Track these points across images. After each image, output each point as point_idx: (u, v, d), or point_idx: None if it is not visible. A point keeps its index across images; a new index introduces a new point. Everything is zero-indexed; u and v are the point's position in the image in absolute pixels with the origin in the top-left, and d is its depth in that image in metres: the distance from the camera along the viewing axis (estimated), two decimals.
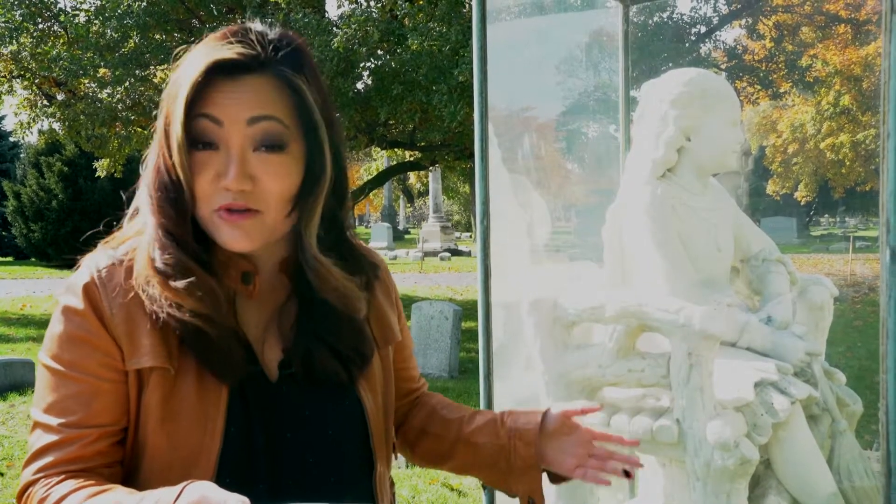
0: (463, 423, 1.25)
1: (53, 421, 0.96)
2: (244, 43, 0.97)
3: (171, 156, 0.96)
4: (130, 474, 1.00)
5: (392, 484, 1.23)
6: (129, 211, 1.07)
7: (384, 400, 1.15)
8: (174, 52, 1.05)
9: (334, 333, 1.06)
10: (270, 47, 0.98)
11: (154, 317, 0.97)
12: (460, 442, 1.23)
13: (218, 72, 0.95)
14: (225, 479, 0.97)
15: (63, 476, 0.94)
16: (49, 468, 0.95)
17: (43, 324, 10.41)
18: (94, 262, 1.01)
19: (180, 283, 0.95)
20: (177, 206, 0.98)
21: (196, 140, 0.96)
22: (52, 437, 0.96)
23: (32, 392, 6.13)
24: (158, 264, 0.97)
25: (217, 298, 0.98)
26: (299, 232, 1.03)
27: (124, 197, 1.10)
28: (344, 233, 1.12)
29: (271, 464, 1.02)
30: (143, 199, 1.02)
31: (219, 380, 0.99)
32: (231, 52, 0.95)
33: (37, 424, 0.98)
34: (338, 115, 1.08)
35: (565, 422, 1.19)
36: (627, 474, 1.22)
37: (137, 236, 1.03)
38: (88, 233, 1.13)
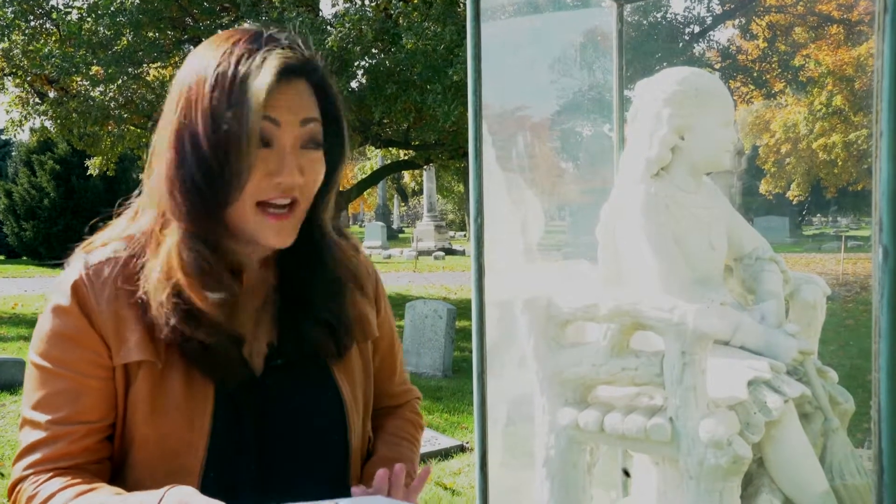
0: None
1: (41, 417, 0.98)
2: (290, 48, 1.02)
3: (220, 154, 0.97)
4: (119, 467, 1.02)
5: None
6: (130, 212, 1.09)
7: (363, 396, 1.17)
8: (177, 55, 1.06)
9: (321, 307, 1.10)
10: (308, 54, 1.05)
11: (147, 316, 0.99)
12: None
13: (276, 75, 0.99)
14: (211, 472, 1.00)
15: (52, 473, 0.96)
16: (38, 465, 0.97)
17: (34, 323, 10.34)
18: (81, 261, 1.03)
19: (216, 296, 0.98)
20: (211, 208, 1.00)
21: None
22: (41, 434, 0.98)
23: (23, 391, 6.13)
24: (192, 269, 0.98)
25: (236, 309, 1.02)
26: (319, 218, 1.09)
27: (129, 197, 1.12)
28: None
29: (259, 456, 1.04)
30: (165, 205, 1.03)
31: (207, 382, 1.01)
32: (286, 57, 1.00)
33: (25, 421, 1.00)
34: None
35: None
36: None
37: (131, 242, 1.05)
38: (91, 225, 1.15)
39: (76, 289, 1.00)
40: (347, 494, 1.10)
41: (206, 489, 0.99)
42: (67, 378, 0.99)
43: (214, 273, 1.00)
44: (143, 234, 1.05)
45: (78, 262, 1.03)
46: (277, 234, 1.03)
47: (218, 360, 1.00)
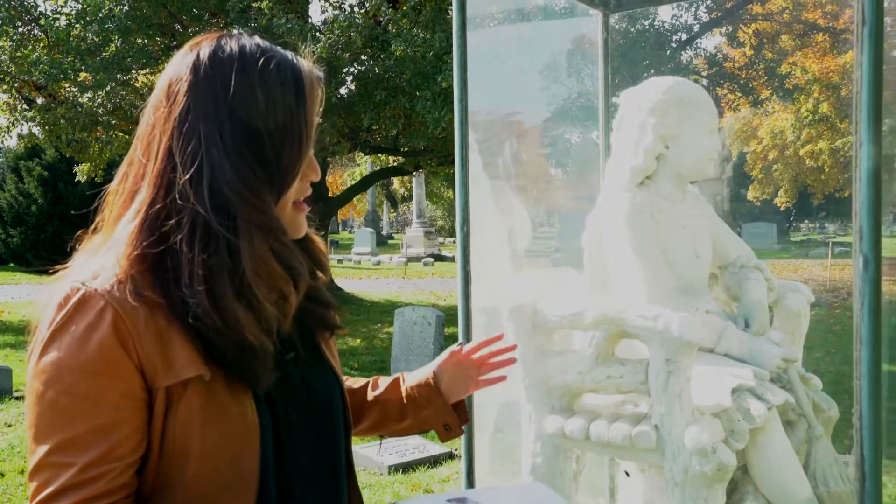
0: (368, 388, 1.37)
1: (72, 459, 0.90)
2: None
3: (280, 154, 0.99)
4: (167, 485, 0.97)
5: None
6: (128, 219, 0.98)
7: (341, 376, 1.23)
8: (166, 61, 1.05)
9: (311, 285, 1.11)
10: None
11: (186, 324, 0.94)
12: (368, 403, 1.35)
13: None
14: (267, 469, 1.00)
15: None
16: None
17: (21, 330, 10.28)
18: (97, 282, 0.93)
19: (278, 294, 0.99)
20: (271, 207, 1.00)
21: None
22: (73, 477, 0.90)
23: (9, 399, 6.09)
24: (265, 276, 0.98)
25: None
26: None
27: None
28: None
29: (293, 445, 1.05)
30: (219, 207, 0.95)
31: (245, 384, 0.99)
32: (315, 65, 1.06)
33: (47, 464, 0.91)
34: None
35: (451, 359, 1.36)
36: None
37: (142, 251, 0.95)
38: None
39: (109, 317, 0.91)
40: (350, 475, 1.16)
41: (263, 488, 0.99)
42: (100, 414, 0.91)
43: (294, 262, 1.02)
44: (171, 239, 0.95)
45: (90, 283, 0.93)
46: (302, 224, 1.08)
47: (259, 362, 0.98)
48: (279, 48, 1.05)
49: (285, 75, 1.00)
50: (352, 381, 1.37)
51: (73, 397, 0.91)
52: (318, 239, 1.18)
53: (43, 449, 0.91)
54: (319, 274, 1.16)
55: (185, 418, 0.95)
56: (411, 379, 1.35)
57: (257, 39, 1.04)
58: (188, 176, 0.95)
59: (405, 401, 1.34)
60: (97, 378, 0.91)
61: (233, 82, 0.97)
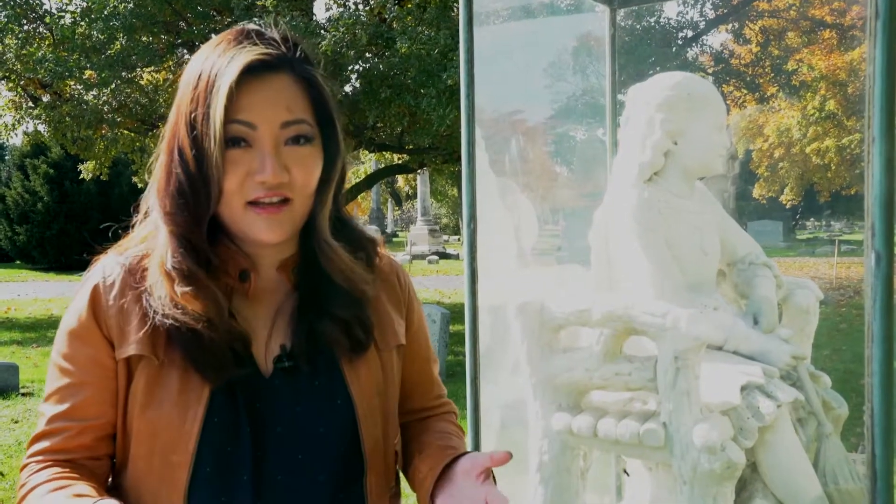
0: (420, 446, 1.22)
1: (48, 410, 1.04)
2: (266, 43, 1.02)
3: (198, 158, 0.99)
4: (125, 462, 1.05)
5: (396, 496, 1.20)
6: (140, 215, 1.12)
7: (383, 406, 1.13)
8: (171, 59, 1.07)
9: (336, 304, 1.09)
10: (287, 46, 1.04)
11: (147, 313, 1.01)
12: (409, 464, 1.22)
13: (246, 73, 0.99)
14: (206, 468, 1.00)
15: (49, 463, 1.02)
16: (38, 455, 1.04)
17: (27, 327, 10.32)
18: (102, 265, 1.08)
19: (185, 288, 1.00)
20: (193, 210, 1.01)
21: (228, 141, 0.99)
22: (45, 426, 1.04)
23: (16, 396, 6.10)
24: (168, 268, 1.02)
25: (218, 304, 1.02)
26: (313, 217, 1.07)
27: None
28: (340, 210, 1.16)
29: (257, 457, 1.03)
30: (154, 206, 1.07)
31: (203, 379, 1.01)
32: (257, 53, 1.00)
33: (39, 412, 1.07)
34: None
35: (470, 473, 1.08)
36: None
37: (145, 242, 1.09)
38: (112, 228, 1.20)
39: (91, 291, 1.05)
40: None
41: (196, 488, 1.00)
42: (70, 375, 1.03)
43: (188, 272, 1.01)
44: (151, 235, 1.08)
45: (100, 266, 1.08)
46: (267, 229, 1.02)
47: (211, 358, 1.00)
48: (228, 49, 1.01)
49: (202, 88, 1.00)
50: (428, 435, 1.22)
51: (59, 358, 1.05)
52: (359, 268, 1.11)
53: (42, 399, 1.08)
54: (364, 290, 1.11)
55: (133, 396, 1.02)
56: (430, 466, 1.14)
57: (212, 48, 1.03)
58: (152, 178, 1.09)
59: (414, 482, 1.18)
60: (74, 342, 1.04)
61: (175, 102, 1.05)
